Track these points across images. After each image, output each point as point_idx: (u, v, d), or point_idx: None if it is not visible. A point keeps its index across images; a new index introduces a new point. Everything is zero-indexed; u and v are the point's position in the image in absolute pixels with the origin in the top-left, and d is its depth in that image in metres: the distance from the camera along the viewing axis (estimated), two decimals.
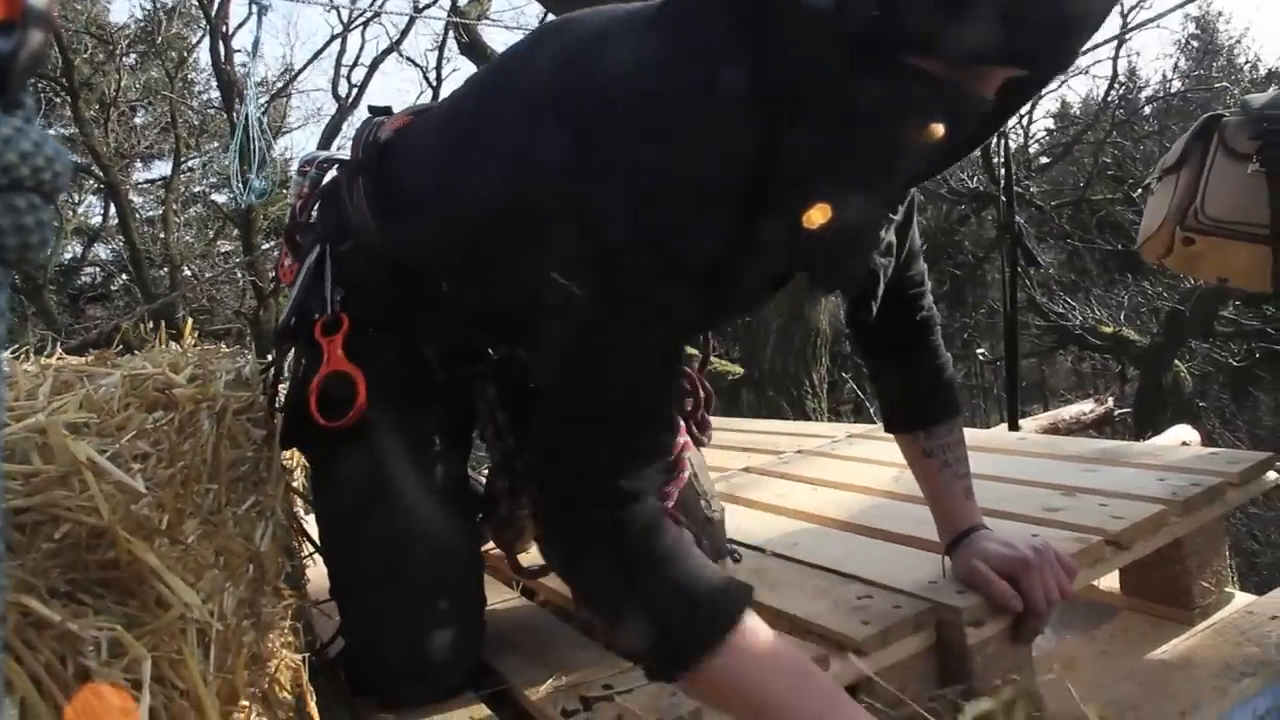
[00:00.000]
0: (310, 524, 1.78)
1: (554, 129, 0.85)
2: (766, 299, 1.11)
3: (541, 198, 0.85)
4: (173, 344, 1.20)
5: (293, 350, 1.14)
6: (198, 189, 13.32)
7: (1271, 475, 1.42)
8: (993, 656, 1.04)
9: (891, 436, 1.24)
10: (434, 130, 1.15)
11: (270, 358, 1.20)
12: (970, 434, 2.07)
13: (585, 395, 0.83)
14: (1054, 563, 1.05)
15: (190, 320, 1.38)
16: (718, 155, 0.79)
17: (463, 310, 1.15)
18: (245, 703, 0.75)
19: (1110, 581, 1.43)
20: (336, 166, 1.24)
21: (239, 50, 10.33)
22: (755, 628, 0.80)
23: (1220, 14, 17.26)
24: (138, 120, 12.27)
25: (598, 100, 0.82)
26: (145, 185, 13.04)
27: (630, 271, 0.79)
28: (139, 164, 12.84)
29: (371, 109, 1.26)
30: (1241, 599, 1.36)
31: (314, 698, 0.95)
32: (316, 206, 1.22)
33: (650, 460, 0.83)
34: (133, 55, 11.62)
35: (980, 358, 11.80)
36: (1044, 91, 11.94)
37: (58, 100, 11.09)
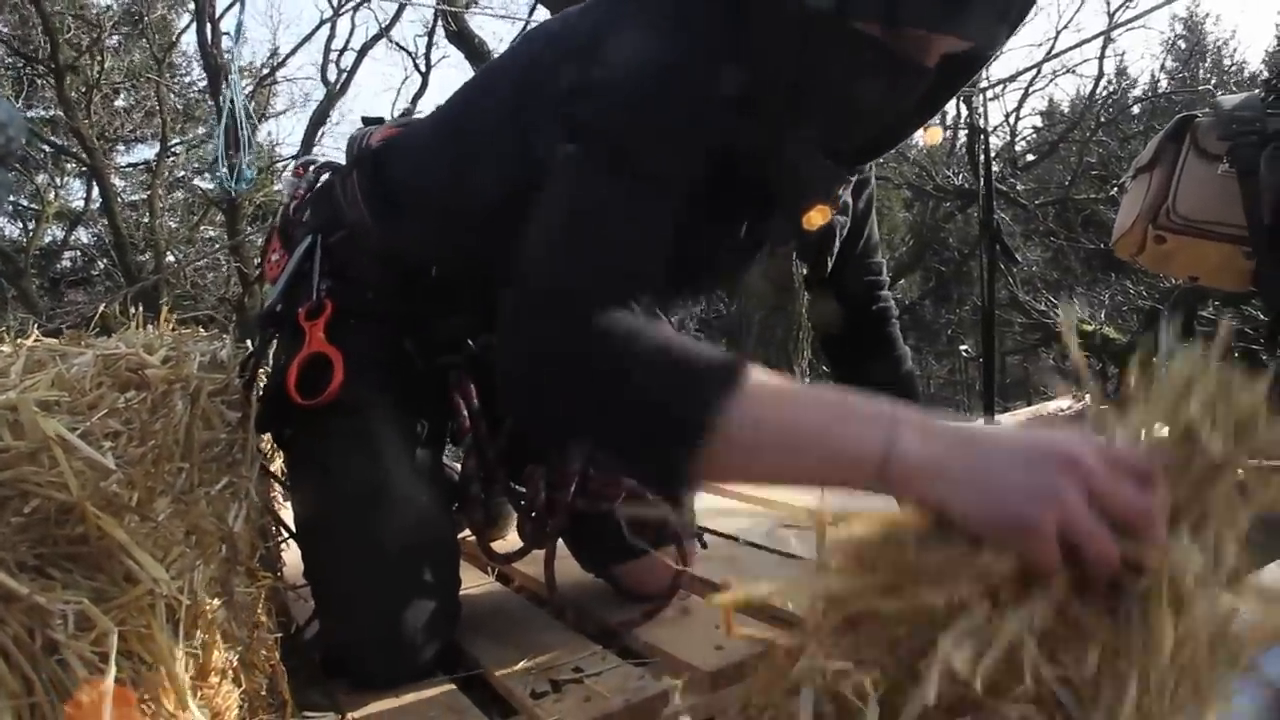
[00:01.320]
0: (287, 510, 1.80)
1: (551, 63, 0.94)
2: (747, 257, 1.12)
3: (538, 114, 0.93)
4: (149, 327, 1.20)
5: (276, 336, 1.17)
6: (181, 174, 13.22)
7: None
8: None
9: None
10: (427, 130, 1.21)
11: (250, 345, 1.21)
12: None
13: (571, 235, 0.80)
14: None
15: (172, 305, 1.39)
16: (709, 69, 0.84)
17: (449, 299, 1.17)
18: (215, 679, 0.76)
19: None
20: (331, 170, 1.30)
21: (226, 34, 10.25)
22: (760, 376, 0.68)
23: (1208, 15, 17.39)
24: (120, 103, 12.16)
25: (595, 31, 0.91)
26: (128, 169, 12.94)
27: (628, 139, 0.81)
28: (121, 147, 12.73)
29: (365, 119, 1.33)
30: None
31: (287, 678, 0.95)
32: (310, 205, 1.26)
33: (631, 289, 0.77)
34: (116, 37, 11.50)
35: (964, 354, 11.89)
36: (1022, 87, 12.00)
37: (40, 81, 10.98)
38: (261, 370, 1.16)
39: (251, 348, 1.18)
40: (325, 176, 1.29)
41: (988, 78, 10.61)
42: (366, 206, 1.17)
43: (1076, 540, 0.53)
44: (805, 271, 1.21)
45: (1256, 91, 1.62)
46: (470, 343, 1.21)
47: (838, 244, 1.11)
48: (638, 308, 0.76)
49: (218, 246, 11.54)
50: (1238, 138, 1.52)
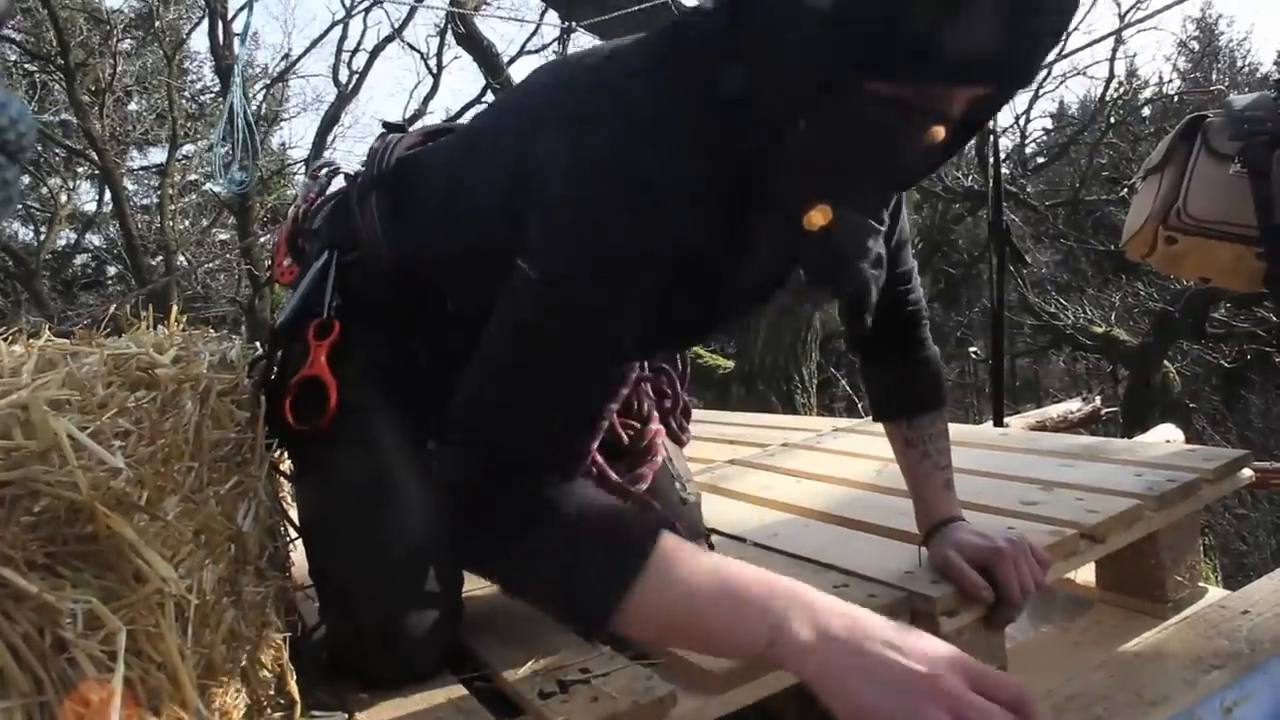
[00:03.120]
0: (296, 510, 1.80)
1: (534, 140, 0.90)
2: (757, 308, 1.12)
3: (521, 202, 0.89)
4: (160, 327, 1.21)
5: (286, 348, 1.16)
6: (192, 177, 13.29)
7: (1246, 472, 1.44)
8: (966, 645, 1.06)
9: (877, 430, 1.28)
10: (450, 147, 1.19)
11: (261, 347, 1.22)
12: (955, 429, 2.09)
13: (516, 375, 0.84)
14: (1028, 554, 1.06)
15: (183, 306, 1.40)
16: (686, 186, 0.81)
17: (458, 320, 1.15)
18: (224, 679, 0.76)
19: (1087, 575, 1.45)
20: (346, 178, 1.27)
21: (238, 35, 10.31)
22: (671, 554, 0.76)
23: (1221, 16, 17.28)
24: (132, 106, 12.23)
25: (571, 114, 0.88)
26: (139, 172, 13.01)
27: (579, 298, 0.82)
28: (133, 151, 12.81)
29: (386, 125, 1.29)
30: (1215, 593, 1.38)
31: (294, 677, 0.96)
32: (323, 213, 1.25)
33: (569, 453, 0.84)
34: (128, 40, 11.58)
35: (973, 356, 11.84)
36: (1032, 88, 11.98)
37: (52, 83, 11.05)
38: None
39: (262, 351, 1.19)
40: (340, 184, 1.28)
41: None
42: (384, 231, 1.16)
43: None
44: (844, 320, 1.17)
45: (1268, 91, 1.61)
46: None
47: (873, 298, 1.04)
48: (571, 469, 0.83)
49: (229, 249, 11.59)
50: (1249, 138, 1.51)
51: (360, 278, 1.17)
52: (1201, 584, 1.39)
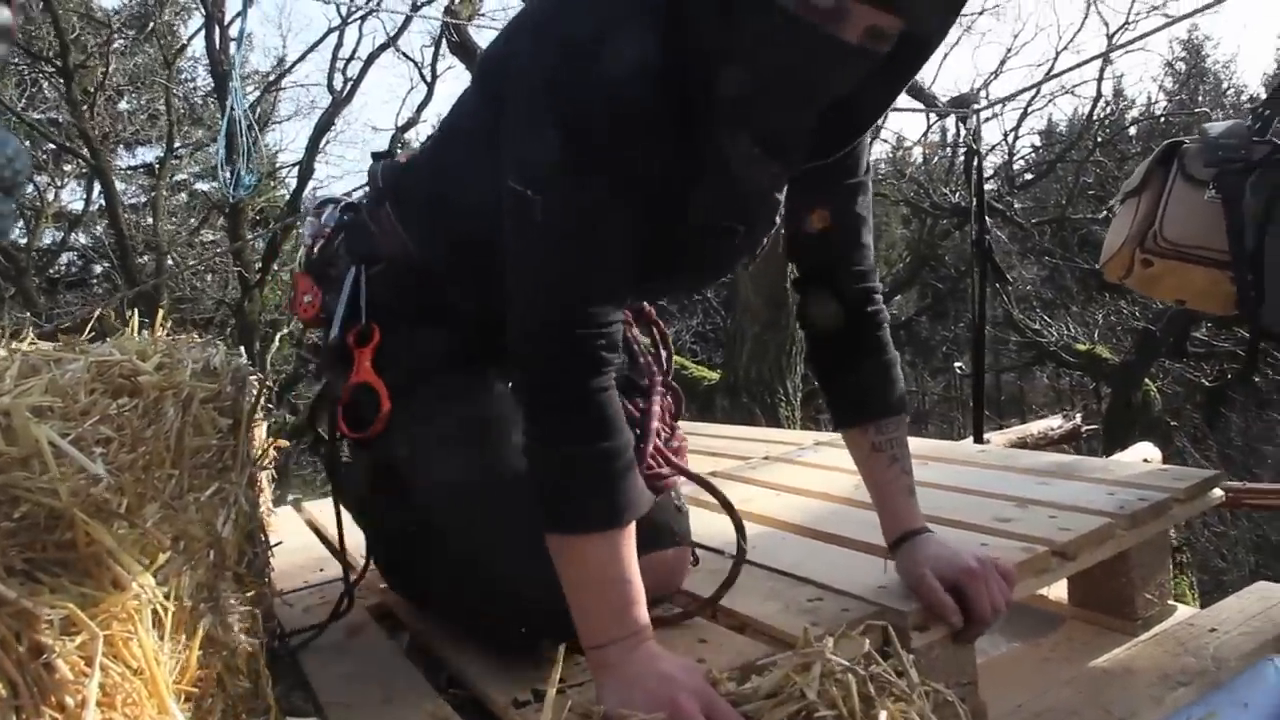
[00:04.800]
0: (275, 517, 1.80)
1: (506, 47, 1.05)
2: (724, 257, 1.17)
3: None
4: (144, 332, 1.21)
5: (335, 362, 1.21)
6: (182, 177, 13.25)
7: (1217, 492, 1.46)
8: (937, 660, 1.07)
9: None
10: (434, 141, 1.29)
11: (312, 373, 1.26)
12: (934, 444, 2.12)
13: (534, 275, 0.97)
14: (995, 573, 1.08)
15: (170, 307, 1.40)
16: (628, 58, 0.91)
17: (493, 299, 1.16)
18: (200, 685, 0.77)
19: (1059, 591, 1.47)
20: (349, 207, 1.34)
21: (234, 40, 10.29)
22: (621, 540, 0.94)
23: (1207, 38, 17.51)
24: (123, 105, 12.19)
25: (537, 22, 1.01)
26: (129, 171, 12.95)
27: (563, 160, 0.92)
28: (123, 150, 12.76)
29: (375, 155, 1.36)
30: (1184, 611, 1.41)
31: (272, 684, 0.96)
32: (340, 240, 1.30)
33: (611, 323, 0.95)
34: (120, 40, 11.54)
35: (959, 371, 11.92)
36: (1021, 106, 12.08)
37: (42, 80, 11.00)
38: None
39: (254, 352, 1.22)
40: (349, 217, 1.32)
41: (986, 97, 10.71)
42: (408, 234, 1.22)
43: None
44: (794, 273, 1.24)
45: (1243, 120, 1.64)
46: None
47: (765, 243, 1.17)
48: (610, 349, 0.95)
49: (219, 250, 11.54)
50: (1223, 164, 1.54)
51: (390, 286, 1.21)
52: (1171, 602, 1.41)
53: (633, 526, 0.95)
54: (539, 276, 0.96)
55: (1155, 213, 1.67)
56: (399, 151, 1.38)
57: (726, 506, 1.15)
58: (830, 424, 1.28)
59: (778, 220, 1.15)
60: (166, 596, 0.69)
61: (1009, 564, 1.12)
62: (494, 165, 0.99)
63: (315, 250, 1.32)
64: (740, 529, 1.14)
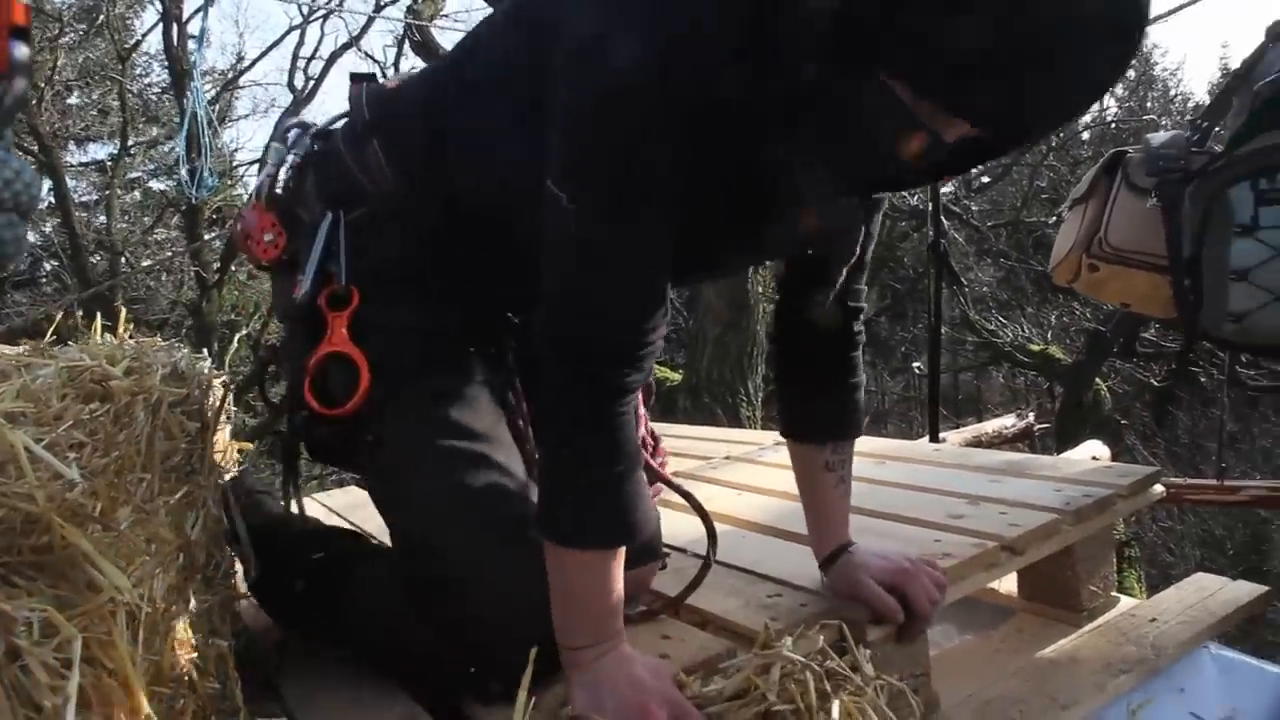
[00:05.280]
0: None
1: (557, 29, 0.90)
2: (774, 244, 1.12)
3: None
4: (107, 335, 1.21)
5: (306, 325, 1.08)
6: (136, 174, 12.98)
7: (1158, 488, 1.53)
8: (892, 653, 1.11)
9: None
10: (443, 70, 1.13)
11: (249, 335, 1.20)
12: (889, 444, 2.18)
13: (581, 291, 0.91)
14: (926, 572, 1.12)
15: (126, 310, 1.38)
16: (700, 75, 0.84)
17: (492, 272, 1.11)
18: (172, 686, 0.78)
19: (1010, 585, 1.53)
20: (320, 135, 1.18)
21: (192, 37, 10.11)
22: (613, 557, 0.95)
23: (1155, 46, 17.97)
24: (72, 100, 11.91)
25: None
26: (80, 168, 12.66)
27: (609, 174, 0.86)
28: (74, 146, 12.47)
29: (354, 76, 1.20)
30: (1127, 602, 1.47)
31: (241, 686, 0.97)
32: (311, 176, 1.15)
33: (640, 351, 0.92)
34: (71, 34, 11.28)
35: (917, 371, 12.09)
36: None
37: None
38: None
39: (212, 353, 1.19)
40: (321, 147, 1.17)
41: None
42: (397, 179, 1.08)
43: None
44: (789, 291, 1.19)
45: (1183, 131, 1.71)
46: (513, 317, 1.19)
47: (837, 275, 1.12)
48: (639, 371, 0.93)
49: (174, 250, 11.33)
50: (1164, 174, 1.61)
51: (372, 236, 1.08)
52: (1115, 593, 1.47)
53: (621, 549, 0.96)
54: (572, 288, 0.91)
55: (1101, 219, 1.73)
56: (386, 79, 1.21)
57: (703, 516, 1.18)
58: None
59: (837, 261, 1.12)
60: (140, 599, 0.70)
61: (935, 562, 1.17)
62: (522, 125, 0.93)
63: (281, 183, 1.15)
64: (712, 537, 1.17)
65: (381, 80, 1.19)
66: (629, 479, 0.94)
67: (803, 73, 0.80)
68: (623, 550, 0.96)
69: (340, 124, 1.20)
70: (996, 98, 0.72)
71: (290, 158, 1.16)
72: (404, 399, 1.06)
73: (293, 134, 1.19)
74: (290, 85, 11.86)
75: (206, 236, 9.99)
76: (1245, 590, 1.46)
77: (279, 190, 1.15)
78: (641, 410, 1.27)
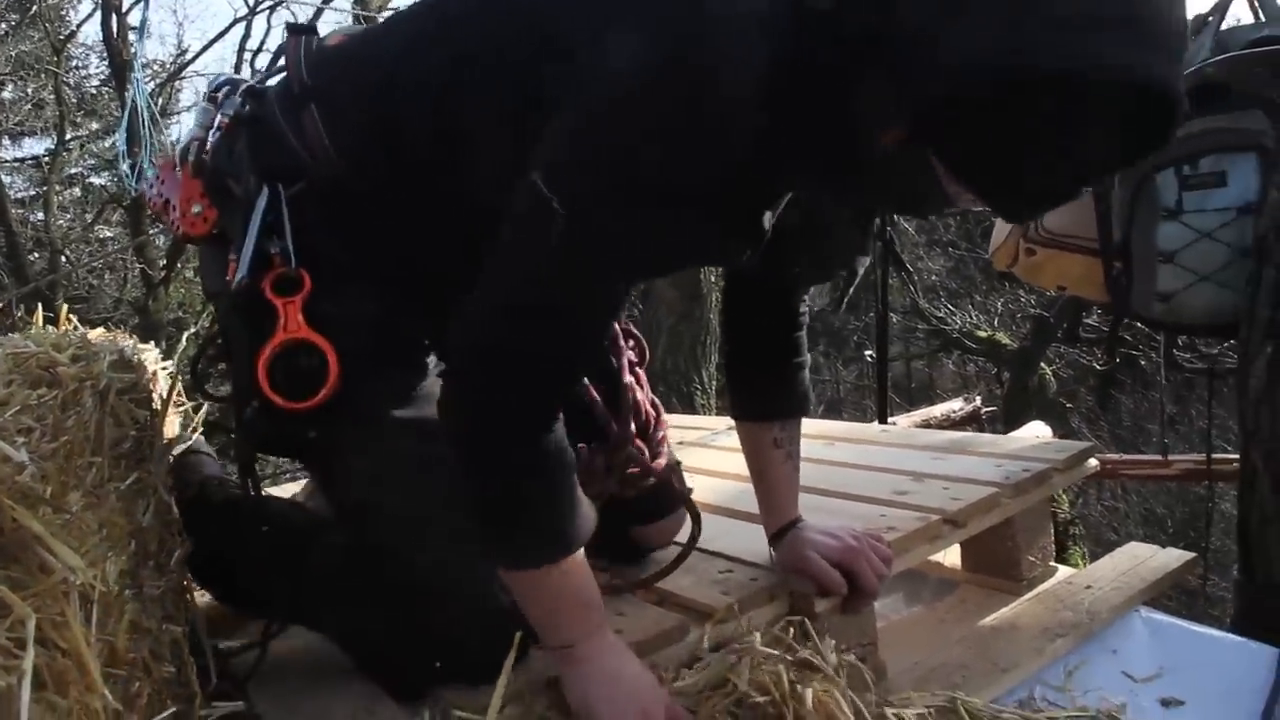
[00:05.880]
0: None
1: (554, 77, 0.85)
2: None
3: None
4: (50, 328, 1.20)
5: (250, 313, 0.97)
6: (75, 170, 12.61)
7: (1092, 462, 1.59)
8: (839, 624, 1.15)
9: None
10: (410, 30, 1.05)
11: (197, 333, 1.16)
12: (839, 426, 2.23)
13: (535, 307, 0.84)
14: (872, 544, 1.16)
15: (67, 307, 1.36)
16: (715, 150, 0.80)
17: (446, 254, 1.03)
18: (127, 668, 0.78)
19: (954, 559, 1.58)
20: (253, 96, 1.06)
21: (133, 28, 9.85)
22: (572, 564, 0.92)
23: None
24: (6, 95, 11.54)
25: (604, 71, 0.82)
26: (15, 164, 12.27)
27: (611, 223, 0.81)
28: (7, 141, 12.08)
29: (291, 26, 1.10)
30: (1064, 572, 1.53)
31: (195, 670, 0.97)
32: (242, 142, 1.03)
33: (587, 368, 0.94)
34: (2, 25, 10.92)
35: (869, 358, 12.27)
36: None
37: None
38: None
39: (161, 347, 1.17)
40: (252, 109, 1.05)
41: None
42: (339, 153, 0.99)
43: None
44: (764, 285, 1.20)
45: None
46: None
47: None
48: (576, 381, 0.94)
49: (116, 247, 11.05)
50: None
51: (314, 215, 0.98)
52: (1053, 564, 1.53)
53: (579, 553, 0.93)
54: (535, 298, 0.84)
55: None
56: (327, 34, 1.11)
57: (690, 508, 1.22)
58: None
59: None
60: (94, 580, 0.70)
61: (881, 536, 1.21)
62: (511, 122, 0.88)
63: (210, 148, 1.05)
64: (696, 521, 1.20)
65: (322, 36, 1.09)
66: (567, 487, 0.90)
67: (860, 142, 0.78)
68: (581, 556, 0.93)
69: (275, 80, 1.09)
70: (1007, 193, 0.78)
71: (219, 118, 1.05)
72: (362, 392, 0.98)
73: (222, 92, 1.08)
74: None
75: (151, 233, 9.76)
76: (1175, 557, 1.53)
77: (207, 157, 1.05)
78: (642, 377, 1.26)
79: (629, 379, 1.21)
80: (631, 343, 1.27)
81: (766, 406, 1.24)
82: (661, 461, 1.25)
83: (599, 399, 1.15)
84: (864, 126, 0.77)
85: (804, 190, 0.95)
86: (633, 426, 1.19)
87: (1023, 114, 0.69)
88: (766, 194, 0.91)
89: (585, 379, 1.09)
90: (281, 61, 1.08)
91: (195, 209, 1.05)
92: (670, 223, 0.81)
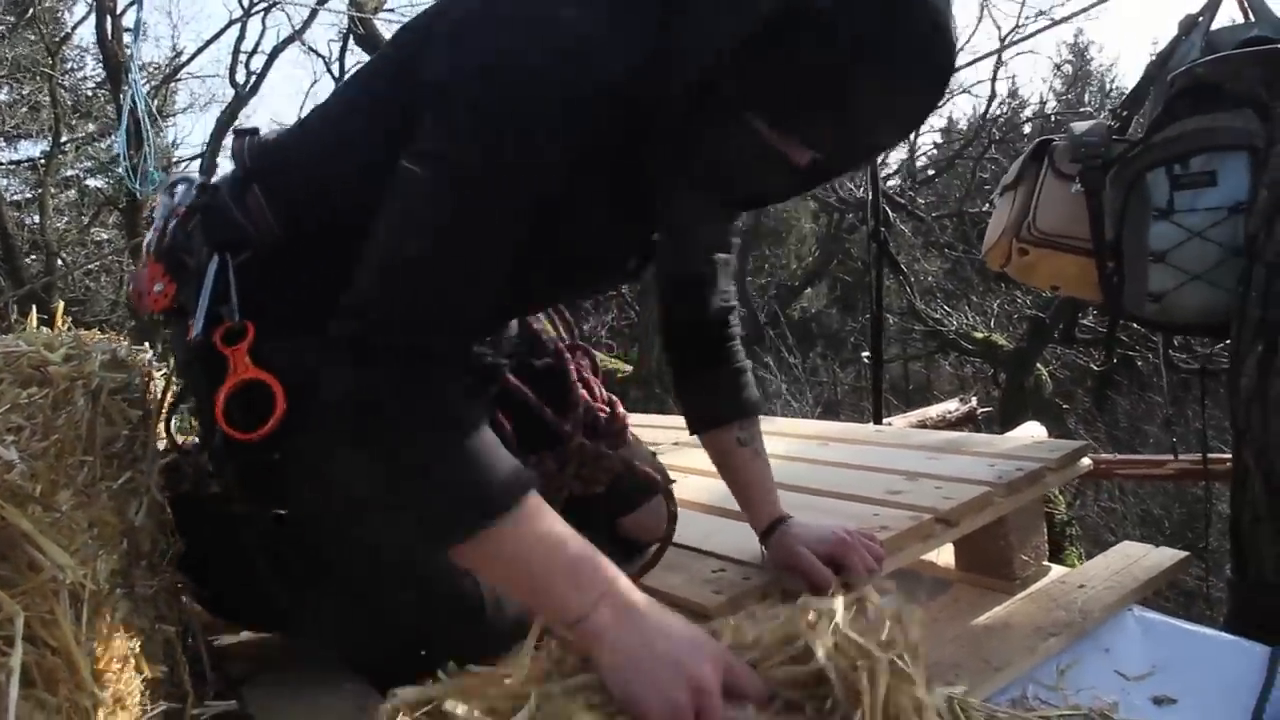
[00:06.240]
0: None
1: (429, 42, 0.94)
2: (622, 272, 1.18)
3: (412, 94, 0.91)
4: (44, 328, 1.20)
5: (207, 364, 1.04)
6: (71, 172, 12.60)
7: (1085, 462, 1.59)
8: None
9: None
10: (322, 118, 1.16)
11: (167, 371, 1.18)
12: (834, 426, 2.23)
13: (406, 264, 0.86)
14: (864, 542, 1.17)
15: (64, 308, 1.35)
16: (585, 90, 0.86)
17: None
18: (118, 666, 0.78)
19: (948, 558, 1.58)
20: (205, 188, 1.18)
21: (128, 30, 9.84)
22: (532, 511, 0.82)
23: (1091, 42, 18.48)
24: (1, 97, 11.53)
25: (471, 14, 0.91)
26: (11, 166, 12.25)
27: (473, 155, 0.85)
28: (3, 143, 12.07)
29: (237, 131, 1.23)
30: (1057, 571, 1.53)
31: (188, 669, 0.98)
32: (196, 222, 1.13)
33: (460, 341, 0.89)
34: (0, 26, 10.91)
35: (866, 360, 12.29)
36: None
37: None
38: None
39: (158, 363, 1.17)
40: (205, 198, 1.15)
41: None
42: (277, 221, 1.09)
43: None
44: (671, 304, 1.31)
45: (1104, 119, 1.78)
46: None
47: (713, 286, 1.25)
48: (461, 359, 0.87)
49: (111, 249, 11.03)
50: (1087, 160, 1.68)
51: (258, 278, 1.07)
52: (1046, 563, 1.53)
53: (534, 494, 0.83)
54: (407, 261, 0.87)
55: (1029, 205, 1.80)
56: (265, 130, 1.23)
57: (666, 493, 1.24)
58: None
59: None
60: (84, 579, 0.70)
61: (874, 534, 1.22)
62: (396, 155, 0.91)
63: (167, 233, 1.15)
64: (670, 501, 1.22)
65: (263, 134, 1.21)
66: (475, 441, 0.83)
67: (677, 113, 0.88)
68: (535, 501, 0.83)
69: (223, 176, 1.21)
70: (833, 130, 0.86)
71: (177, 209, 1.16)
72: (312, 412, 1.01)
73: (179, 189, 1.20)
74: (232, 80, 11.62)
75: (147, 235, 9.74)
76: (1168, 556, 1.53)
77: (166, 240, 1.14)
78: (593, 382, 1.34)
79: (575, 379, 1.30)
80: (580, 353, 1.39)
81: (722, 411, 1.28)
82: (621, 453, 1.30)
83: (546, 406, 1.24)
84: (679, 85, 0.86)
85: (663, 178, 0.99)
86: (580, 425, 1.27)
87: (815, 43, 0.78)
88: (632, 171, 0.96)
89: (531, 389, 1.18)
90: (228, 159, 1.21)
91: (157, 288, 1.13)
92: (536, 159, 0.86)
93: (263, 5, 10.78)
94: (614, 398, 1.39)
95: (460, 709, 0.69)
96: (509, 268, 0.88)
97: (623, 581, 0.81)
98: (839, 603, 0.78)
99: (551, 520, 0.83)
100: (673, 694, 0.73)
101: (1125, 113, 1.74)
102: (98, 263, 11.07)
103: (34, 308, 1.27)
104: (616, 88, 0.86)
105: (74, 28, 11.57)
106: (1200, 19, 1.69)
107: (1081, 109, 11.80)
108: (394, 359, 0.82)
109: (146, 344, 1.36)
